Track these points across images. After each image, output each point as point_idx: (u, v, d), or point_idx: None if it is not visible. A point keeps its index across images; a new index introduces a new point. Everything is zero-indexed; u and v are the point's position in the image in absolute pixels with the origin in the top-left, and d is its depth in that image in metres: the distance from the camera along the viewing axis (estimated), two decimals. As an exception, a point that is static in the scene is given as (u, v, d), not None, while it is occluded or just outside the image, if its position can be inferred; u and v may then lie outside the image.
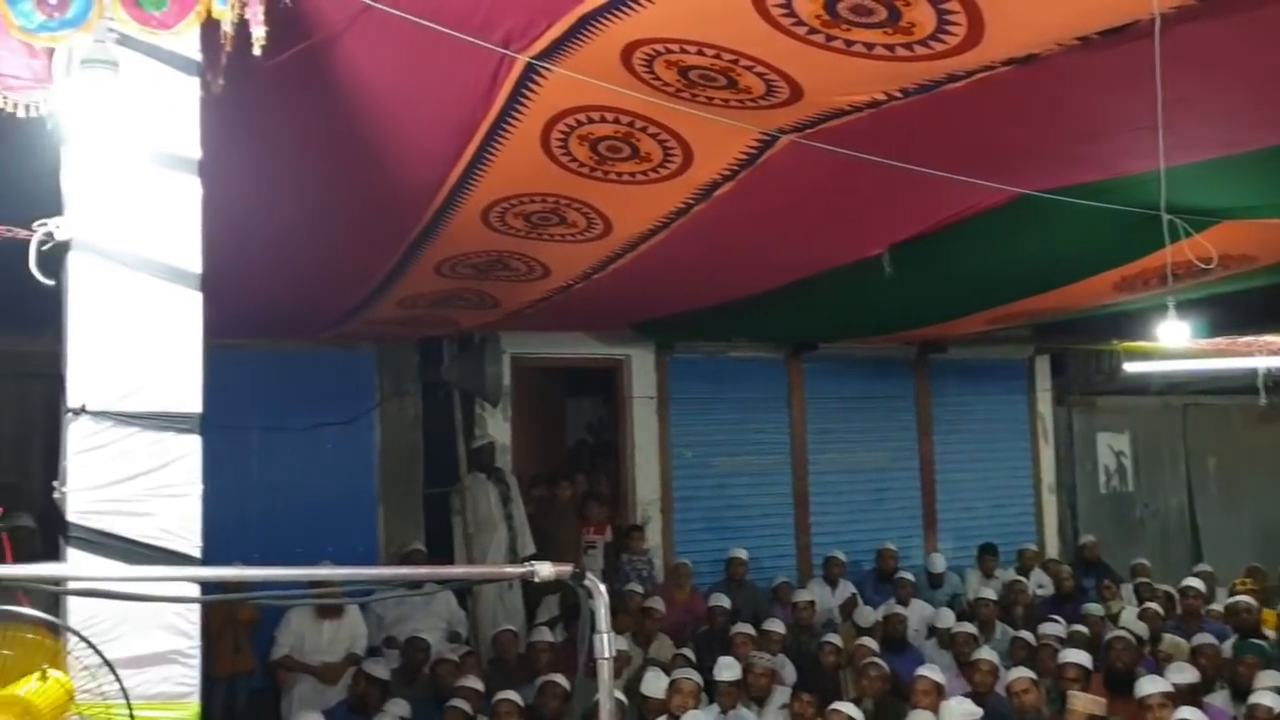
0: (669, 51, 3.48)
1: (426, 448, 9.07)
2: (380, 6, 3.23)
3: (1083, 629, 7.80)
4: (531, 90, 3.83)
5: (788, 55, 3.44)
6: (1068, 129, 4.29)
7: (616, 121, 4.13)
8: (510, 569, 2.06)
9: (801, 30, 3.27)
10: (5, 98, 2.93)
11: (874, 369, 10.69)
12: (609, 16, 3.29)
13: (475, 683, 6.49)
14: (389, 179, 4.68)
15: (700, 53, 3.47)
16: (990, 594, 8.78)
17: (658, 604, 8.09)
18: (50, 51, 2.94)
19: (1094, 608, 8.60)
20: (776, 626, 7.80)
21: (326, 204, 5.02)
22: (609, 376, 10.00)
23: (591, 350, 9.68)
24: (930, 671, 6.49)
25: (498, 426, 9.13)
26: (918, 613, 8.59)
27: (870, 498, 10.66)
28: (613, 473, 10.01)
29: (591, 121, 4.14)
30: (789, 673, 7.33)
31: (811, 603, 8.53)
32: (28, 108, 2.94)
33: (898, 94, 3.73)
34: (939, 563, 9.84)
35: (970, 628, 7.82)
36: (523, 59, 3.60)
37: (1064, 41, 3.29)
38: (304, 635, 7.15)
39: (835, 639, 7.61)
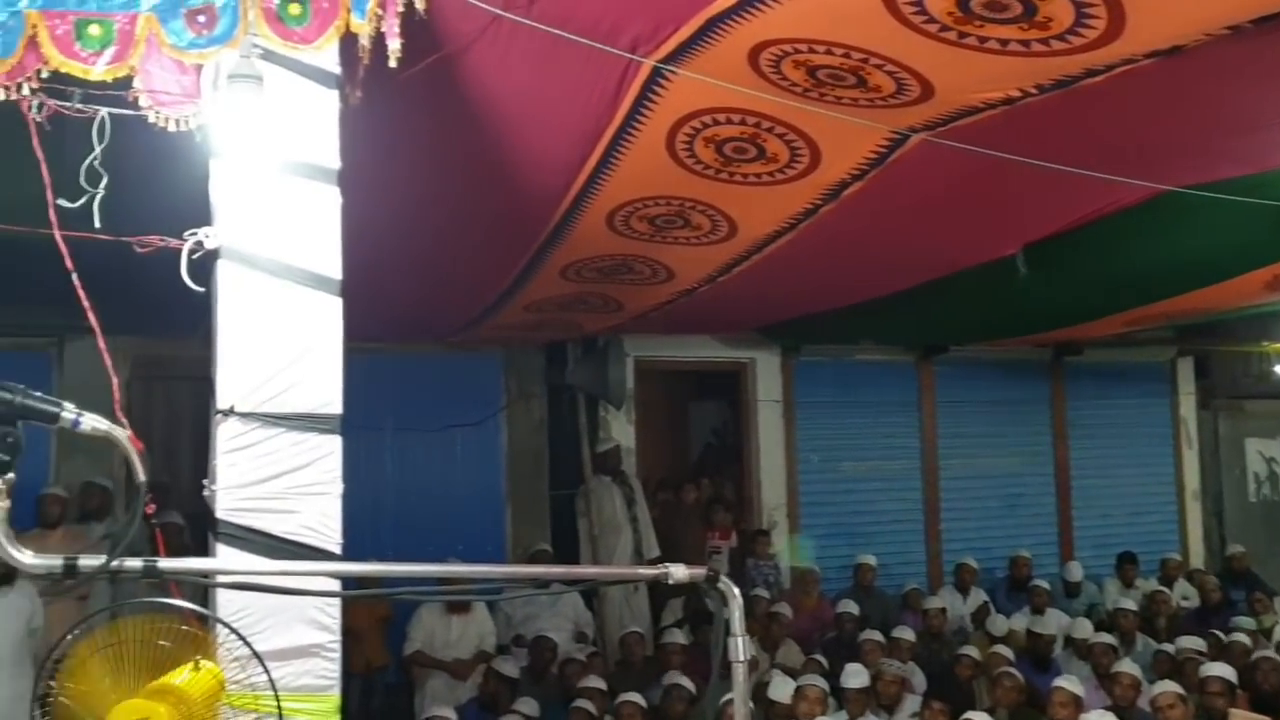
0: (797, 52, 3.45)
1: (552, 450, 9.18)
2: (510, 16, 3.28)
3: (1244, 638, 7.45)
4: (657, 94, 3.84)
5: (919, 53, 3.38)
6: (1216, 122, 4.11)
7: (743, 123, 4.11)
8: (643, 571, 2.06)
9: (933, 28, 3.20)
10: (157, 113, 3.06)
11: (1007, 372, 10.44)
12: (736, 18, 3.27)
13: (600, 683, 6.54)
14: (516, 185, 4.75)
15: (829, 52, 3.43)
16: (1130, 604, 8.47)
17: (785, 610, 8.04)
18: (199, 68, 3.06)
19: (1244, 621, 8.23)
20: (906, 634, 7.67)
21: (456, 210, 5.12)
22: (734, 380, 9.96)
23: (716, 353, 9.66)
24: (1068, 683, 6.29)
25: (621, 429, 9.18)
26: (1053, 622, 8.35)
27: (1003, 504, 10.41)
28: (738, 477, 9.97)
29: (717, 123, 4.13)
30: (919, 681, 7.20)
31: (943, 610, 8.37)
32: (178, 122, 3.08)
33: (1033, 90, 3.62)
34: (1075, 571, 9.53)
35: (1110, 639, 7.55)
36: (649, 63, 3.61)
37: (1212, 31, 3.15)
38: (435, 631, 7.30)
39: (972, 652, 7.44)
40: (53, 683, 2.17)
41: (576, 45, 3.39)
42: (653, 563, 7.57)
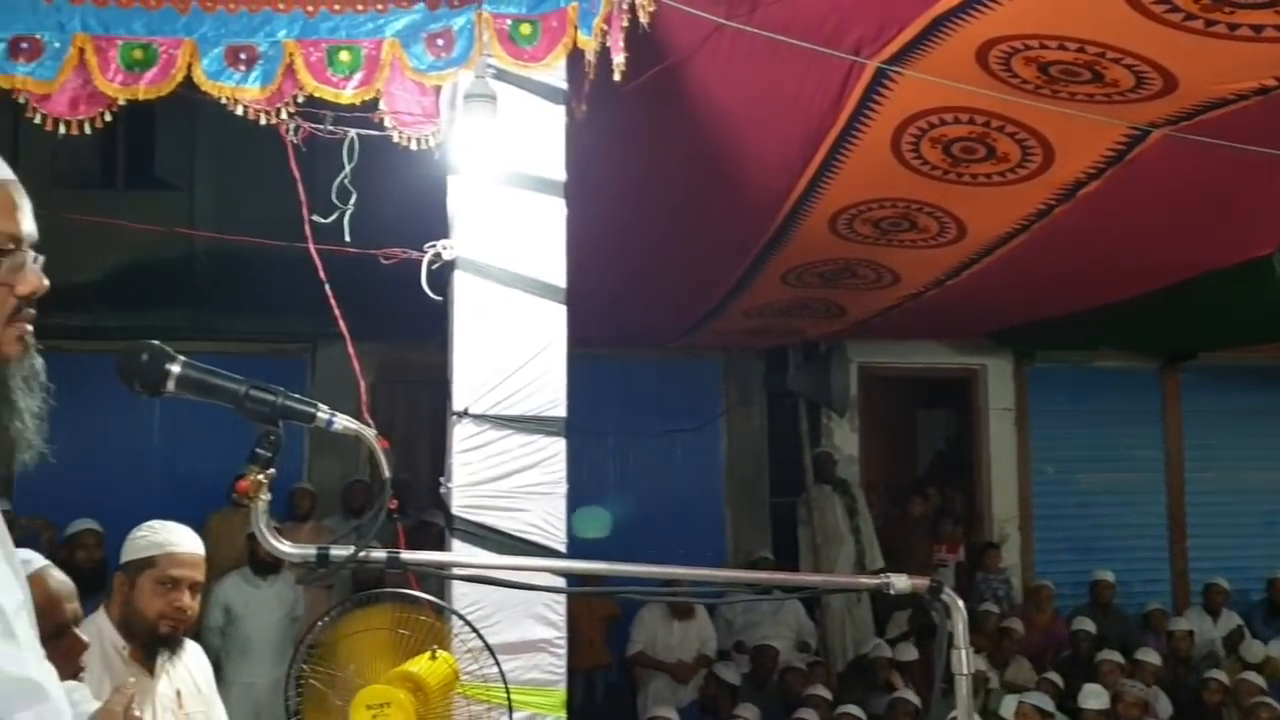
0: (1028, 48, 3.34)
1: (772, 457, 9.15)
2: (733, 24, 3.31)
3: None
4: (882, 95, 3.79)
5: (1160, 44, 3.20)
6: None
7: (971, 122, 4.00)
8: (865, 580, 2.04)
9: (1176, 17, 3.03)
10: (400, 133, 3.26)
11: (1264, 380, 9.71)
12: (963, 16, 3.19)
13: (826, 692, 6.48)
14: (737, 190, 4.78)
15: (1062, 47, 3.30)
16: None
17: (1016, 625, 7.75)
18: (438, 88, 3.24)
19: None
20: (1150, 656, 7.25)
21: (677, 217, 5.19)
22: (963, 387, 9.68)
23: (944, 359, 9.41)
24: (1334, 719, 5.81)
25: (845, 437, 9.06)
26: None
27: (1260, 521, 9.70)
28: (967, 488, 9.67)
29: (944, 123, 4.03)
30: (1163, 706, 6.80)
31: (1190, 632, 7.87)
32: (419, 141, 3.26)
33: (1291, 77, 3.38)
34: (1345, 597, 8.77)
35: (1387, 673, 6.92)
36: (873, 64, 3.56)
37: None
38: (657, 633, 7.41)
39: (1221, 676, 6.97)
40: (305, 666, 2.33)
41: (799, 49, 3.38)
42: (875, 573, 7.45)
